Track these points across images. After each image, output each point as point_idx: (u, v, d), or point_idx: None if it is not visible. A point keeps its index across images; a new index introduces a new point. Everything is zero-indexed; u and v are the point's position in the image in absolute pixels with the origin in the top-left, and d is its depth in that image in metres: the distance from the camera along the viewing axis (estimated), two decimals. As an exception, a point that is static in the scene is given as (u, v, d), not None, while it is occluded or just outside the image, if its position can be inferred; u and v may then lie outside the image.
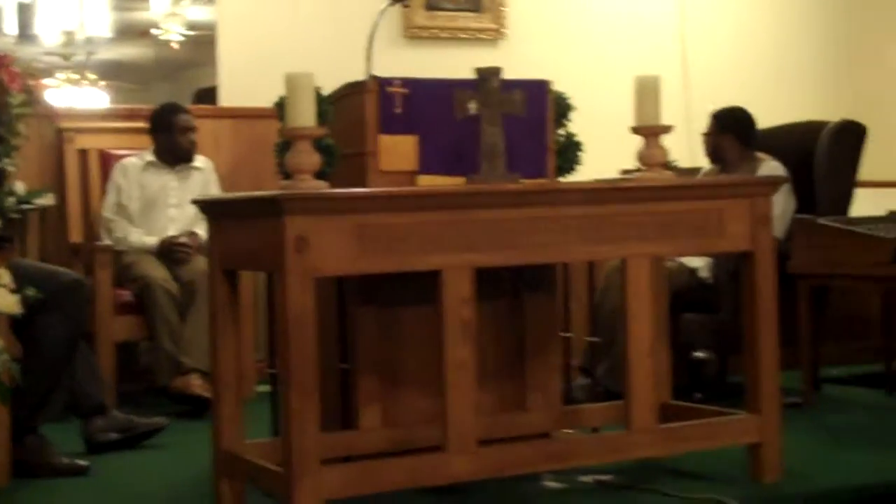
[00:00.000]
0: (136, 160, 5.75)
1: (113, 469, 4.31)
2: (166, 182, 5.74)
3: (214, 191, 5.77)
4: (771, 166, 5.52)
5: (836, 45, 7.59)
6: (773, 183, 4.01)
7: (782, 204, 5.49)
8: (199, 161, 5.82)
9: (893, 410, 5.06)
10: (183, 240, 5.59)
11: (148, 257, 5.56)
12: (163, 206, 5.73)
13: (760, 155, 5.65)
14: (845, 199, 5.71)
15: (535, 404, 4.07)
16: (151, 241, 5.60)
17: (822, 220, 5.17)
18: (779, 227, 5.19)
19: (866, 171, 5.89)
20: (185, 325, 5.39)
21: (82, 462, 4.27)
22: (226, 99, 6.24)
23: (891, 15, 7.81)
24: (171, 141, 5.71)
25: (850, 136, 5.76)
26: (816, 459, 4.21)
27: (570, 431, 4.17)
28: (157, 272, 5.46)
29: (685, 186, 3.87)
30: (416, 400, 3.88)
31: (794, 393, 5.14)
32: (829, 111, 6.51)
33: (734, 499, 3.62)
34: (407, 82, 3.91)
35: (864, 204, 5.95)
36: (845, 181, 5.74)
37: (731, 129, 5.68)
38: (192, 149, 5.73)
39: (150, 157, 5.75)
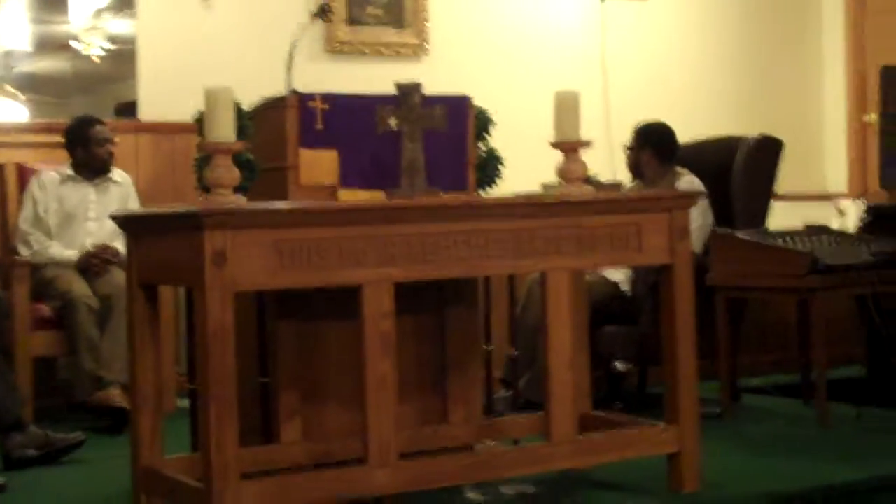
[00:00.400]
0: (54, 174, 5.69)
1: (31, 486, 4.26)
2: (85, 195, 5.69)
3: (133, 205, 5.72)
4: (686, 180, 5.58)
5: (753, 61, 7.69)
6: (690, 197, 4.06)
7: (700, 218, 5.56)
8: (118, 175, 5.77)
9: (810, 419, 5.12)
10: (99, 252, 5.54)
11: (69, 272, 5.50)
12: (81, 220, 5.68)
13: (679, 169, 5.72)
14: (762, 213, 5.78)
15: (457, 417, 4.08)
16: (71, 254, 5.55)
17: (739, 234, 5.23)
18: (697, 240, 5.26)
19: (783, 184, 5.97)
20: (103, 339, 5.34)
21: (0, 479, 4.21)
22: (146, 113, 6.20)
23: (806, 32, 7.94)
24: (88, 153, 5.66)
25: (767, 151, 5.84)
26: (734, 469, 4.26)
27: (491, 443, 4.18)
28: (79, 288, 5.41)
29: (604, 201, 3.90)
30: (338, 414, 3.88)
31: (713, 403, 5.20)
32: (747, 125, 6.61)
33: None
34: (328, 97, 3.92)
35: (781, 217, 6.04)
36: (762, 195, 5.81)
37: (651, 143, 5.74)
38: (109, 160, 5.69)
39: (68, 171, 5.70)
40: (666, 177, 5.66)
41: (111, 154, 5.69)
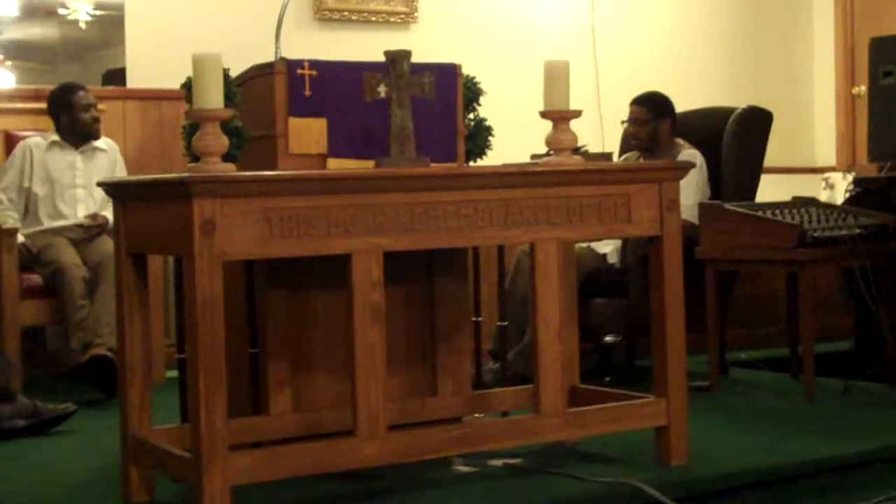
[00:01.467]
0: (39, 139, 5.67)
1: (20, 456, 4.26)
2: (71, 162, 5.67)
3: (121, 172, 5.71)
4: (689, 153, 5.57)
5: (741, 33, 7.69)
6: (680, 168, 4.04)
7: (701, 191, 5.57)
8: (104, 143, 5.75)
9: (798, 393, 5.13)
10: (89, 222, 5.53)
11: (60, 240, 5.48)
12: (68, 187, 5.65)
13: (679, 141, 5.71)
14: (752, 185, 5.78)
15: (446, 389, 4.08)
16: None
17: (728, 206, 5.23)
18: (698, 213, 5.27)
19: (771, 157, 5.96)
20: (92, 306, 5.32)
21: (-13, 449, 4.21)
22: (134, 80, 6.17)
23: (796, 4, 7.92)
24: (72, 119, 5.64)
25: (756, 123, 5.83)
26: (722, 442, 4.27)
27: (480, 416, 4.18)
28: (68, 257, 5.39)
29: (593, 171, 3.88)
30: (327, 385, 3.87)
31: (702, 377, 5.20)
32: (736, 98, 6.60)
33: (641, 481, 3.66)
34: (316, 64, 3.88)
35: (770, 189, 6.05)
36: (752, 167, 5.81)
37: (668, 113, 5.74)
38: (94, 126, 5.66)
39: (54, 136, 5.68)
40: (672, 147, 5.65)
41: (96, 119, 5.66)
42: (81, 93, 5.66)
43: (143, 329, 3.64)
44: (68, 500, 3.73)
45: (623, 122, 5.88)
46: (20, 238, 5.45)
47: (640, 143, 5.76)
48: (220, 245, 3.23)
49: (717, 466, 3.94)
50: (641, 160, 5.69)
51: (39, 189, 5.61)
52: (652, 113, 5.71)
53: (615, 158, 5.99)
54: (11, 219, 5.53)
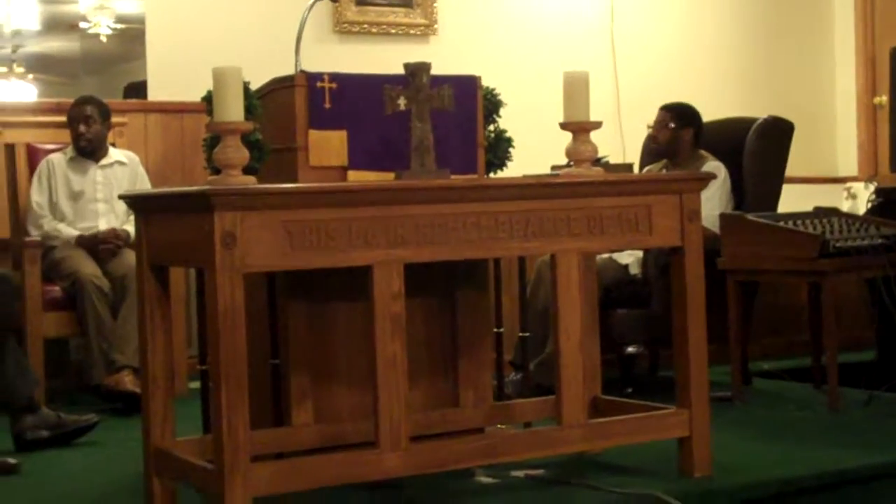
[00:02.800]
0: (60, 155, 5.70)
1: (44, 467, 4.27)
2: (91, 176, 5.68)
3: (142, 185, 5.72)
4: (713, 165, 5.57)
5: (763, 43, 7.67)
6: (700, 179, 4.03)
7: (724, 202, 5.56)
8: (123, 156, 5.76)
9: (821, 404, 5.11)
10: (108, 236, 5.54)
11: (78, 253, 5.50)
12: (90, 201, 5.67)
13: (703, 153, 5.71)
14: (773, 195, 5.76)
15: (467, 400, 4.07)
16: (75, 232, 5.55)
17: (750, 216, 5.21)
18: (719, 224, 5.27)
19: (793, 167, 5.95)
20: (116, 322, 5.34)
21: (13, 460, 4.22)
22: (155, 93, 6.19)
23: (817, 13, 7.90)
24: (72, 135, 5.66)
25: (778, 133, 5.82)
26: (745, 453, 4.25)
27: (501, 426, 4.18)
28: (87, 268, 5.41)
29: (614, 182, 3.88)
30: (348, 396, 3.88)
31: (724, 387, 5.19)
32: (757, 108, 6.58)
33: (664, 493, 3.65)
34: (336, 77, 3.89)
35: (792, 200, 6.02)
36: (773, 177, 5.79)
37: (691, 123, 5.74)
38: (81, 139, 5.62)
39: (72, 152, 5.70)
40: (695, 158, 5.65)
41: (81, 135, 5.61)
42: (74, 109, 5.66)
43: (165, 341, 3.65)
44: (91, 512, 3.75)
45: (648, 126, 5.89)
46: (74, 233, 5.53)
47: (658, 148, 5.78)
48: (241, 257, 3.24)
49: (740, 477, 3.92)
50: (664, 171, 5.68)
51: (64, 205, 5.64)
52: (675, 120, 5.71)
53: (636, 168, 6.00)
54: (64, 227, 5.56)
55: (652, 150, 5.86)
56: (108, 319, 5.33)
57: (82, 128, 5.63)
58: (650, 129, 5.91)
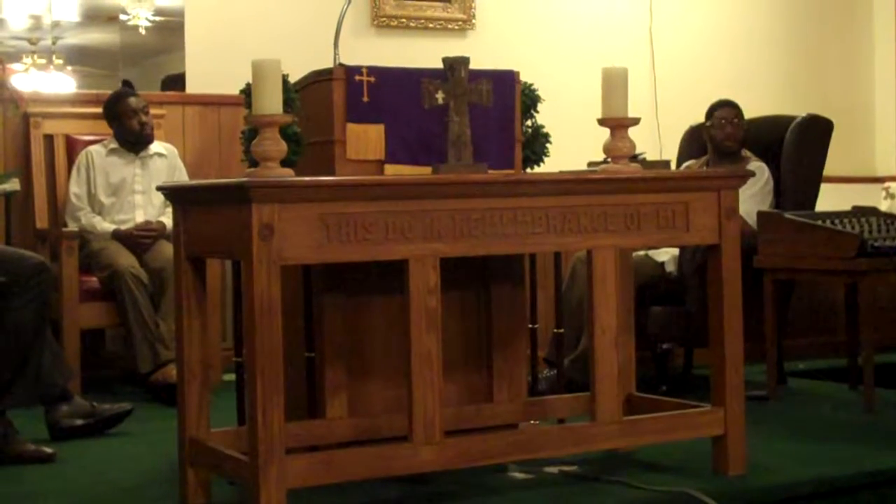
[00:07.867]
0: (99, 147, 5.73)
1: (79, 456, 4.30)
2: (130, 168, 5.72)
3: (181, 177, 5.74)
4: (756, 166, 5.55)
5: (801, 40, 7.61)
6: (738, 176, 4.01)
7: (764, 201, 5.53)
8: (163, 148, 5.79)
9: (857, 404, 5.08)
10: (141, 229, 5.56)
11: (115, 244, 5.53)
12: (128, 193, 5.70)
13: (746, 153, 5.69)
14: (811, 194, 5.73)
15: (501, 395, 4.07)
16: (110, 227, 5.58)
17: (787, 215, 5.19)
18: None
19: (831, 166, 5.92)
20: (159, 316, 5.36)
21: (48, 449, 4.24)
22: (193, 86, 6.21)
23: (856, 10, 7.85)
24: (122, 128, 5.68)
25: (816, 131, 5.79)
26: (780, 452, 4.24)
27: (535, 422, 4.18)
28: (124, 259, 5.43)
29: (651, 179, 3.87)
30: (383, 389, 3.88)
31: (759, 386, 5.17)
32: (795, 106, 6.54)
33: (698, 490, 3.64)
34: (374, 71, 3.90)
35: (830, 199, 5.99)
36: (811, 176, 5.76)
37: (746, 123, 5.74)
38: (142, 130, 5.67)
39: (113, 144, 5.73)
40: (739, 159, 5.63)
41: (143, 124, 5.67)
42: (129, 100, 5.69)
43: (201, 332, 3.66)
44: (125, 500, 3.76)
45: (707, 124, 5.80)
46: (110, 227, 5.57)
47: (734, 145, 5.69)
48: (277, 250, 3.25)
49: (775, 476, 3.91)
50: (704, 168, 5.65)
51: (103, 196, 5.67)
52: (741, 117, 5.71)
53: (673, 165, 5.97)
54: (101, 222, 5.59)
55: (726, 147, 5.73)
56: (147, 308, 5.36)
57: (144, 117, 5.68)
58: (709, 126, 5.78)
